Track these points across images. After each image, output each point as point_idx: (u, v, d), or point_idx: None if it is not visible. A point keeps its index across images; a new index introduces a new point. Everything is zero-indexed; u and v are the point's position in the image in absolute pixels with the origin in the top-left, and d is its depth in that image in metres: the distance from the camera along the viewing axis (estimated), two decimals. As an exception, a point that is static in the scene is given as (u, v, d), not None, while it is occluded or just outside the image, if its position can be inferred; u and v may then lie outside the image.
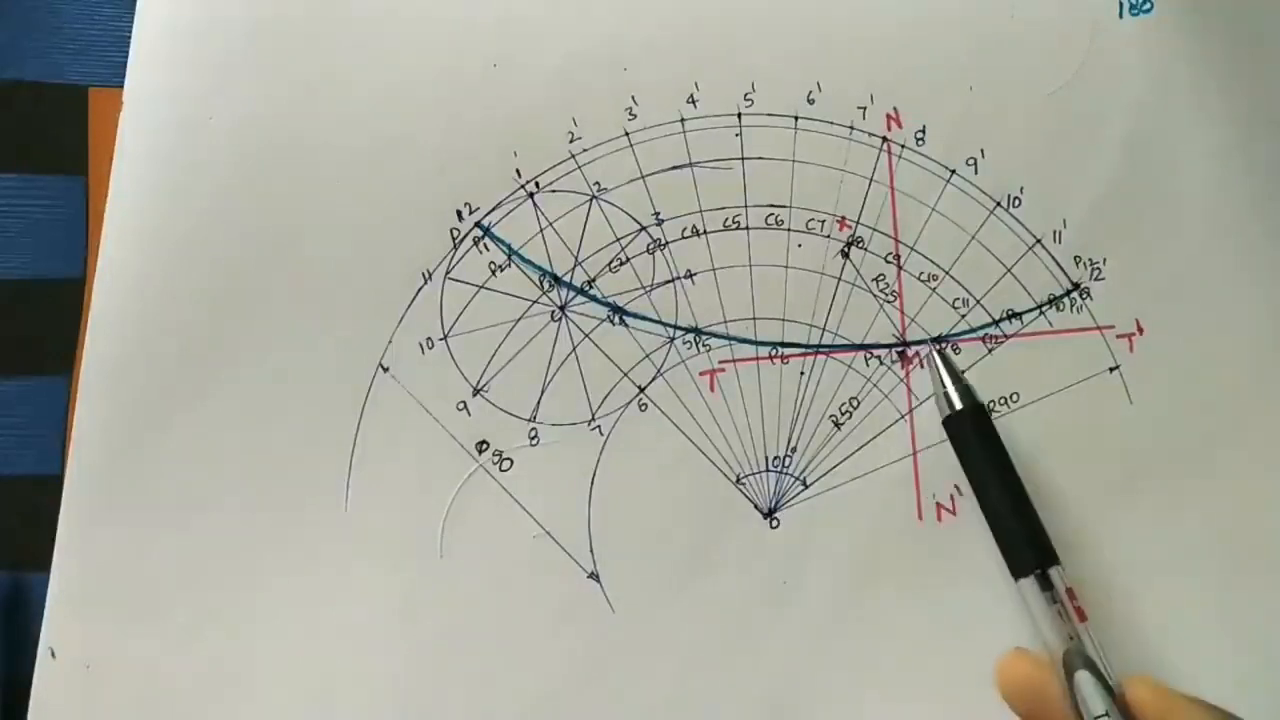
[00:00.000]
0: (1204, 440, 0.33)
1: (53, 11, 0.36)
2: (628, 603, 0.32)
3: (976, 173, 0.34)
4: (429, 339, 0.33)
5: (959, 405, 0.31)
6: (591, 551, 0.32)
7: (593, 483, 0.33)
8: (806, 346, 0.34)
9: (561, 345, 0.33)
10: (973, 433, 0.30)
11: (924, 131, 0.34)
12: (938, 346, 0.32)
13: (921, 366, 0.33)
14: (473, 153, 0.34)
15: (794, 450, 0.33)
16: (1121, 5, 0.35)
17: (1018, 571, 0.29)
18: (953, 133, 0.34)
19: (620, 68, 0.35)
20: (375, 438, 0.33)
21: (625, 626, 0.32)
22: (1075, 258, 0.34)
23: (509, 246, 0.34)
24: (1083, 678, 0.26)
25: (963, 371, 0.32)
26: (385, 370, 0.33)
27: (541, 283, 0.34)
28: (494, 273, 0.34)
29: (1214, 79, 0.34)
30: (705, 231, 0.34)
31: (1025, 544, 0.29)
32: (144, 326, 0.33)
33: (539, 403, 0.33)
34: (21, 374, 0.34)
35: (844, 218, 0.34)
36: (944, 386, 0.31)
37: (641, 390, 0.33)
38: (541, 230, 0.34)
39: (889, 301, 0.34)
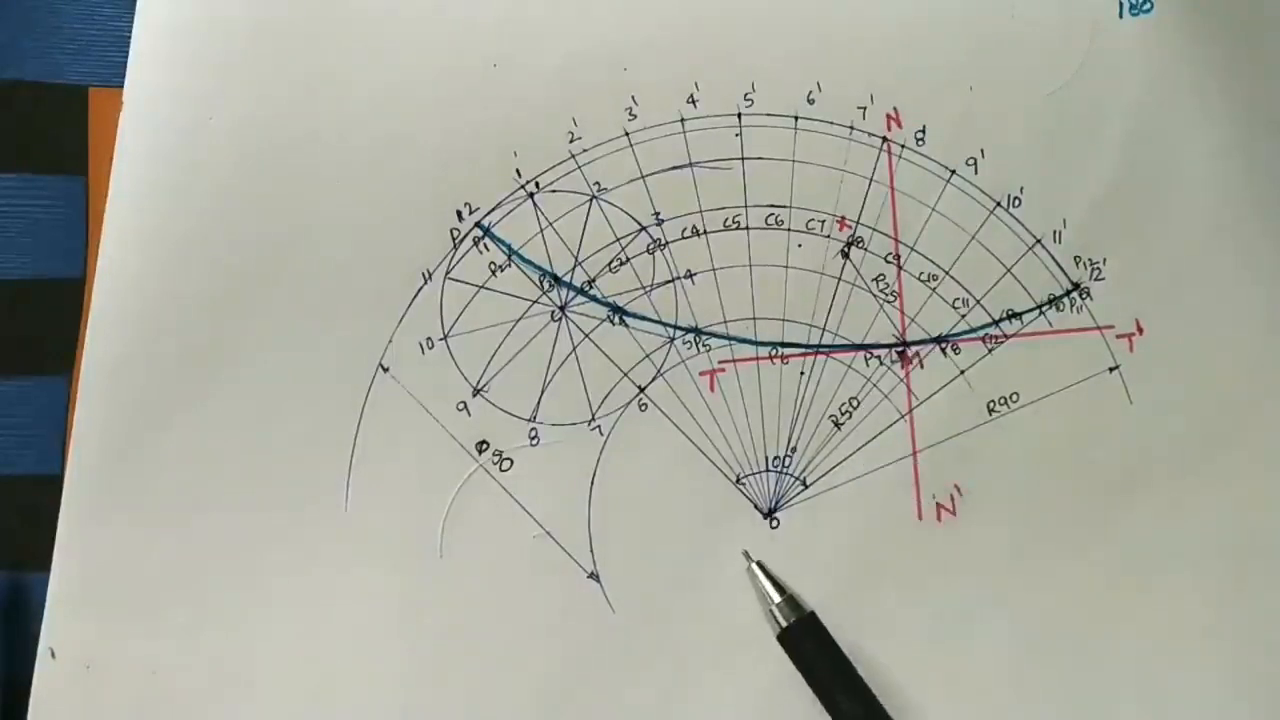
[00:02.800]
0: (1204, 440, 0.33)
1: (53, 11, 0.36)
2: (628, 603, 0.32)
3: (976, 173, 0.34)
4: (429, 339, 0.33)
5: (786, 621, 0.31)
6: (591, 551, 0.32)
7: (593, 483, 0.33)
8: (806, 346, 0.34)
9: (561, 345, 0.33)
10: (811, 643, 0.31)
11: (924, 131, 0.34)
12: (754, 560, 0.32)
13: (922, 367, 0.33)
14: (473, 153, 0.34)
15: (794, 450, 0.33)
16: (1121, 5, 0.35)
17: None
18: (953, 133, 0.34)
19: (620, 68, 0.35)
20: (375, 438, 0.33)
21: (625, 626, 0.32)
22: (1075, 258, 0.34)
23: (509, 246, 0.34)
24: None
25: (781, 585, 0.31)
26: (385, 370, 0.33)
27: (541, 283, 0.34)
28: (494, 273, 0.34)
29: (1214, 79, 0.34)
30: (705, 231, 0.34)
31: None
32: (144, 326, 0.33)
33: (539, 403, 0.33)
34: (21, 374, 0.34)
35: (844, 218, 0.34)
36: (770, 601, 0.31)
37: (641, 390, 0.33)
38: (541, 230, 0.34)
39: (889, 301, 0.34)
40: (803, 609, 0.31)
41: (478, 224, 0.34)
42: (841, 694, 0.30)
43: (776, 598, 0.31)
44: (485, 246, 0.34)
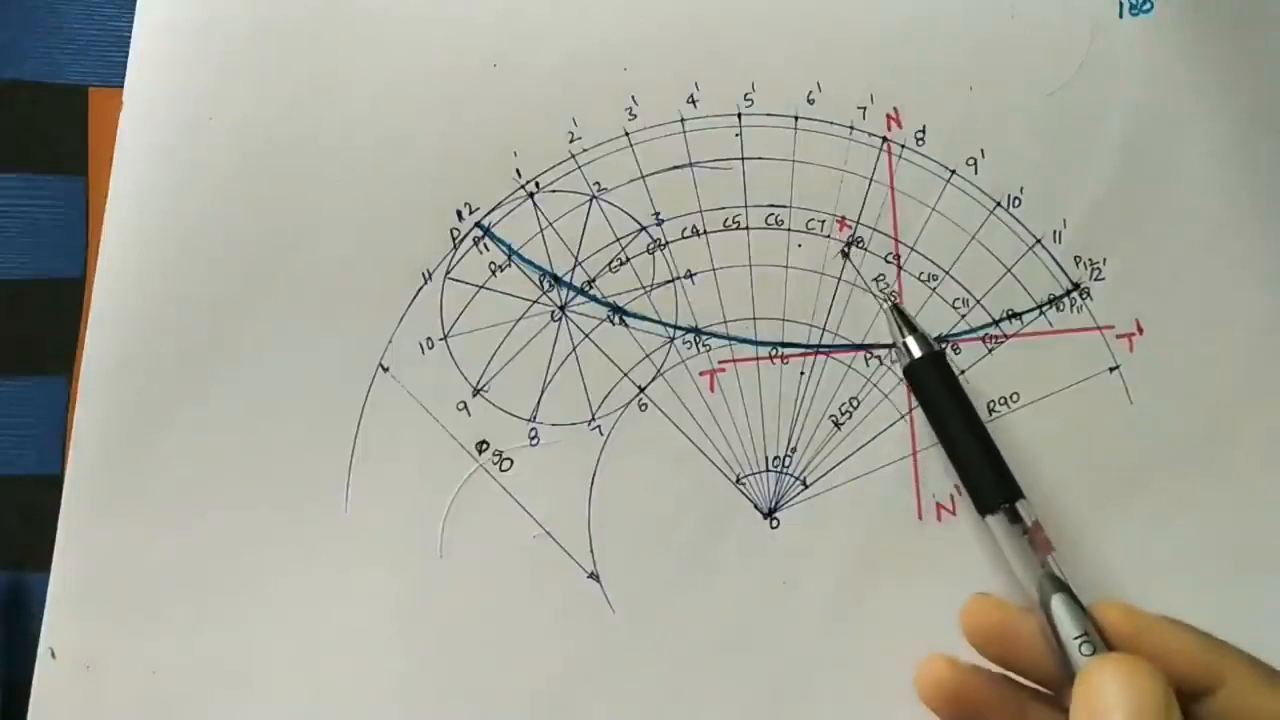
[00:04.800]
0: (1204, 440, 0.33)
1: (53, 11, 0.36)
2: (628, 603, 0.32)
3: (976, 173, 0.34)
4: (429, 339, 0.33)
5: (918, 353, 0.31)
6: (591, 551, 0.32)
7: (593, 483, 0.33)
8: (806, 346, 0.34)
9: (561, 345, 0.33)
10: (934, 376, 0.31)
11: (924, 131, 0.34)
12: (891, 301, 0.33)
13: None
14: (473, 153, 0.34)
15: (794, 450, 0.33)
16: (1121, 5, 0.35)
17: (985, 508, 0.29)
18: (953, 133, 0.34)
19: (620, 68, 0.35)
20: (375, 438, 0.33)
21: (625, 626, 0.32)
22: (1075, 258, 0.34)
23: (509, 246, 0.34)
24: (1059, 602, 0.26)
25: (915, 318, 0.33)
26: (385, 370, 0.33)
27: (541, 283, 0.34)
28: (494, 273, 0.34)
29: (1214, 79, 0.34)
30: (705, 231, 0.34)
31: (991, 481, 0.29)
32: (144, 326, 0.33)
33: (539, 403, 0.33)
34: (21, 374, 0.34)
35: (844, 218, 0.34)
36: (902, 337, 0.32)
37: (641, 390, 0.33)
38: (541, 230, 0.34)
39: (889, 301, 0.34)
40: (931, 344, 0.32)
41: (478, 224, 0.34)
42: (957, 426, 0.30)
43: (907, 335, 0.32)
44: (485, 246, 0.34)
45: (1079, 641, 0.25)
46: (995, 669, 0.27)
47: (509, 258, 0.34)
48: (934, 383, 0.31)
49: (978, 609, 0.27)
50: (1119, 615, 0.26)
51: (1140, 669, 0.23)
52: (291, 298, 0.34)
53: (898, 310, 0.32)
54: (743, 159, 0.34)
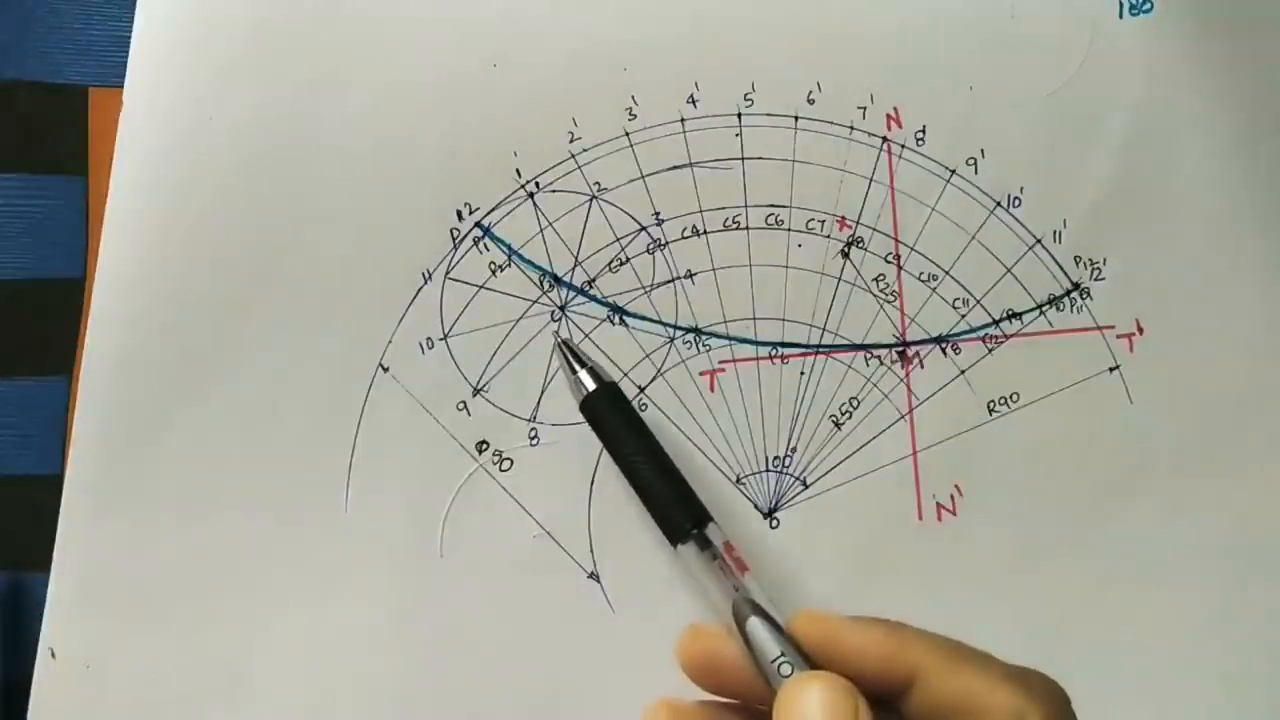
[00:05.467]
0: (1204, 440, 0.33)
1: (53, 11, 0.36)
2: (628, 603, 0.32)
3: (976, 173, 0.34)
4: (429, 339, 0.33)
5: (591, 386, 0.30)
6: (591, 551, 0.32)
7: (593, 483, 0.33)
8: (806, 346, 0.34)
9: (561, 345, 0.33)
10: (608, 409, 0.30)
11: (924, 131, 0.34)
12: (561, 337, 0.32)
13: (923, 367, 0.33)
14: (473, 153, 0.34)
15: (794, 450, 0.33)
16: (1121, 5, 0.35)
17: (675, 538, 0.28)
18: (953, 133, 0.34)
19: (620, 68, 0.35)
20: (375, 438, 0.33)
21: (625, 626, 0.32)
22: (1075, 258, 0.34)
23: (509, 246, 0.34)
24: (754, 624, 0.26)
25: (584, 353, 0.31)
26: (385, 370, 0.33)
27: (541, 283, 0.34)
28: (494, 273, 0.34)
29: (1214, 79, 0.34)
30: (705, 231, 0.34)
31: (677, 509, 0.28)
32: (144, 326, 0.33)
33: (539, 403, 0.33)
34: (21, 374, 0.34)
35: (844, 218, 0.34)
36: (573, 373, 0.30)
37: (641, 390, 0.33)
38: (541, 230, 0.34)
39: (889, 301, 0.34)
40: (601, 377, 0.30)
41: (478, 224, 0.34)
42: (637, 457, 0.29)
43: (579, 369, 0.30)
44: (485, 246, 0.34)
45: (777, 663, 0.25)
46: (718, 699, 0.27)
47: (509, 258, 0.34)
48: (608, 416, 0.30)
49: (689, 641, 0.27)
50: (807, 625, 0.25)
51: (829, 686, 0.23)
52: (291, 298, 0.34)
53: (567, 346, 0.31)
54: (743, 159, 0.34)
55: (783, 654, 0.25)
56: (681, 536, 0.28)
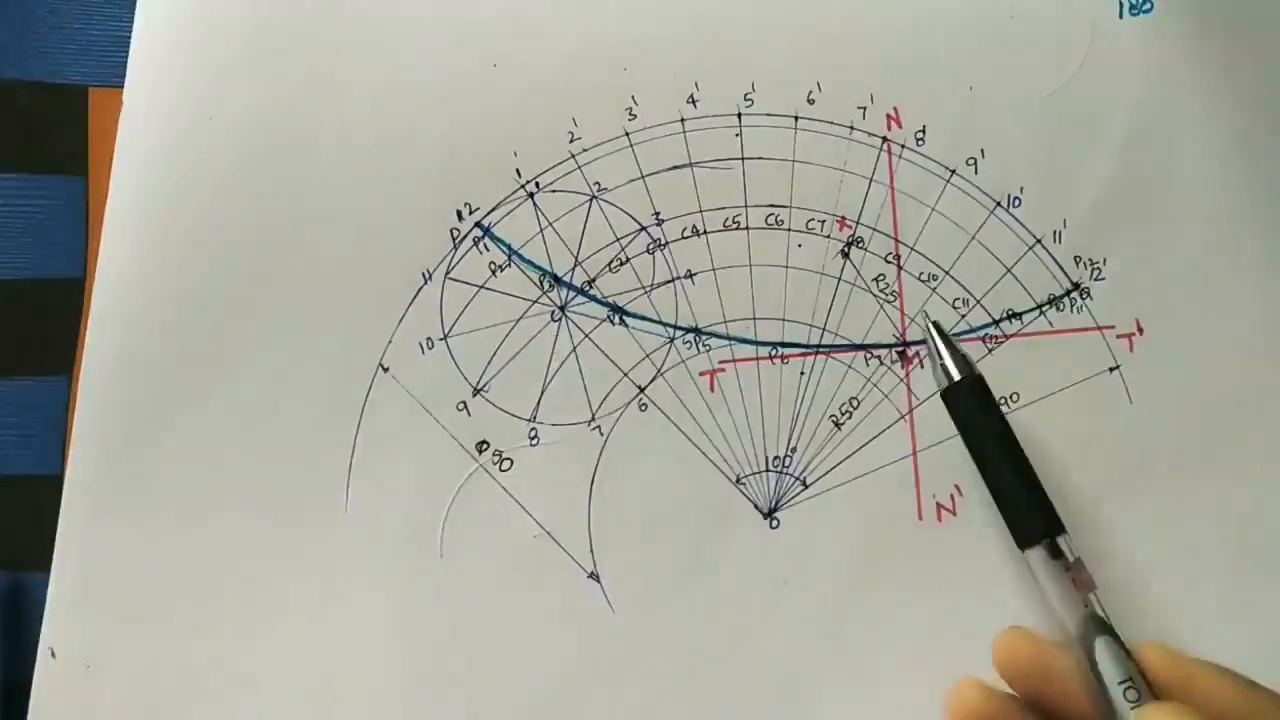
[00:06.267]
0: (1204, 440, 0.33)
1: (53, 11, 0.36)
2: (628, 603, 0.32)
3: (976, 173, 0.34)
4: (429, 339, 0.33)
5: (957, 376, 0.30)
6: (591, 551, 0.32)
7: (593, 483, 0.33)
8: (806, 346, 0.34)
9: (561, 345, 0.33)
10: (974, 404, 0.30)
11: (924, 131, 0.34)
12: (933, 319, 0.31)
13: (922, 366, 0.33)
14: (473, 153, 0.34)
15: (794, 450, 0.33)
16: (1121, 5, 0.35)
17: (1025, 542, 0.28)
18: (953, 133, 0.34)
19: (620, 68, 0.35)
20: (375, 438, 0.33)
21: (625, 626, 0.32)
22: (1075, 258, 0.34)
23: (509, 246, 0.34)
24: (1103, 645, 0.26)
25: (955, 339, 0.31)
26: (385, 370, 0.33)
27: (541, 283, 0.34)
28: (494, 273, 0.34)
29: (1214, 79, 0.34)
30: (705, 231, 0.34)
31: (1032, 514, 0.28)
32: (144, 326, 0.33)
33: (539, 403, 0.33)
34: (21, 374, 0.34)
35: (844, 218, 0.34)
36: (941, 359, 0.30)
37: (641, 390, 0.33)
38: (541, 230, 0.34)
39: (889, 301, 0.34)
40: (972, 368, 0.30)
41: (478, 224, 0.34)
42: (998, 456, 0.29)
43: (946, 357, 0.30)
44: (485, 246, 0.34)
45: (1124, 687, 0.25)
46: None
47: (509, 258, 0.34)
48: (973, 409, 0.30)
49: (1012, 642, 0.27)
50: (1164, 660, 0.25)
51: None
52: (291, 298, 0.34)
53: (938, 329, 0.30)
54: (743, 159, 0.34)
55: (1130, 680, 0.25)
56: (1032, 541, 0.28)
